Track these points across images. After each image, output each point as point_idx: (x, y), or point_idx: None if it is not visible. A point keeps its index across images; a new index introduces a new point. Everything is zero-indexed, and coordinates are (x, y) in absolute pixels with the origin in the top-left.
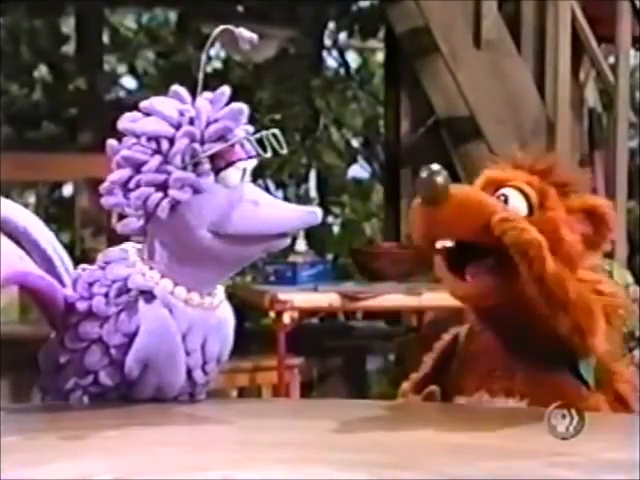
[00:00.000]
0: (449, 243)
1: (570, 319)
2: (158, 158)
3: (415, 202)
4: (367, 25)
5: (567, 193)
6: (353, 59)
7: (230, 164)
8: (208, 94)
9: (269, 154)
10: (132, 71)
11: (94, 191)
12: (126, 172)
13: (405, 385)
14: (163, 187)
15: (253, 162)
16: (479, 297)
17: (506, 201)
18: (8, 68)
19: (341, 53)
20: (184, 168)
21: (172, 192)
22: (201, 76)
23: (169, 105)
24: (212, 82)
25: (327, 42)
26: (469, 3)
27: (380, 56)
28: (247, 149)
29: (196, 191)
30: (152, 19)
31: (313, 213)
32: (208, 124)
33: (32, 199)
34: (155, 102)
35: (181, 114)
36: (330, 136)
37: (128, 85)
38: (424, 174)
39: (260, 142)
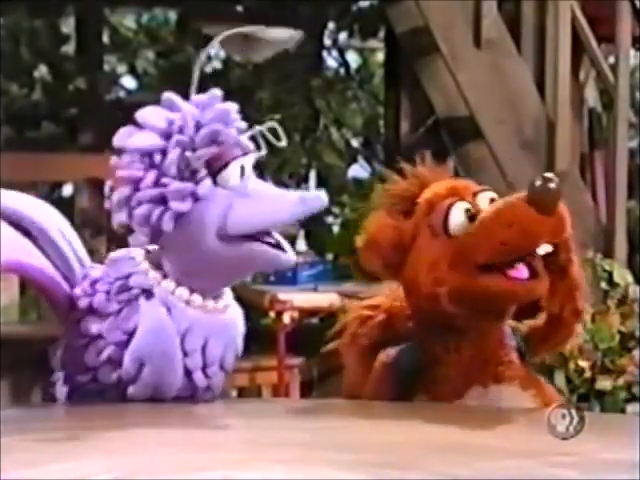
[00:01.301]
0: (549, 248)
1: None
2: (154, 172)
3: (515, 203)
4: (367, 25)
5: None
6: (353, 59)
7: (226, 165)
8: (201, 97)
9: (263, 150)
10: (132, 71)
11: (94, 191)
12: (125, 191)
13: None
14: (163, 200)
15: (251, 158)
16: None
17: None
18: (8, 68)
19: (341, 53)
20: (181, 178)
21: (173, 204)
22: (196, 76)
23: (158, 116)
24: (212, 82)
25: (327, 42)
26: (469, 3)
27: (380, 56)
28: (243, 146)
29: (196, 199)
30: (152, 19)
31: (317, 198)
32: (197, 130)
33: None
34: (145, 114)
35: (170, 123)
36: (330, 136)
37: (128, 85)
38: (539, 182)
39: (257, 137)
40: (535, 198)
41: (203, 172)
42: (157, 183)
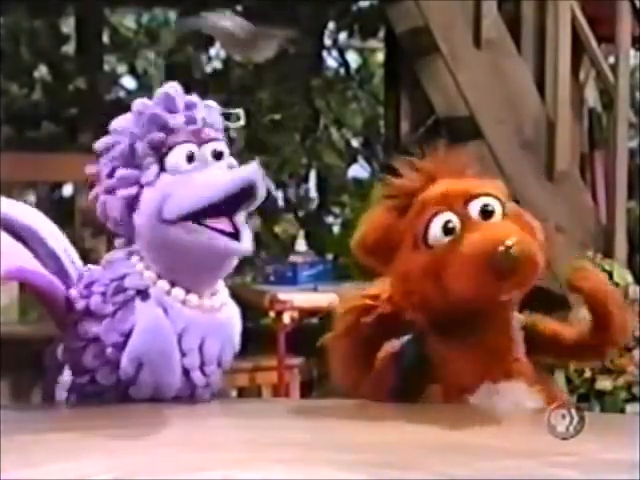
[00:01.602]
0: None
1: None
2: (109, 165)
3: (478, 260)
4: (367, 25)
5: None
6: (353, 59)
7: (168, 150)
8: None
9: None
10: (132, 71)
11: None
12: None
13: None
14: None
15: (215, 144)
16: None
17: (492, 212)
18: (8, 68)
19: (341, 53)
20: (133, 167)
21: (119, 192)
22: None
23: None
24: (212, 82)
25: (327, 42)
26: (469, 3)
27: (380, 56)
28: (199, 132)
29: (142, 185)
30: (152, 19)
31: (249, 173)
32: (143, 118)
33: (32, 199)
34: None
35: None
36: (330, 136)
37: (128, 85)
38: (502, 248)
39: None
40: (494, 266)
41: (150, 159)
42: (109, 175)
